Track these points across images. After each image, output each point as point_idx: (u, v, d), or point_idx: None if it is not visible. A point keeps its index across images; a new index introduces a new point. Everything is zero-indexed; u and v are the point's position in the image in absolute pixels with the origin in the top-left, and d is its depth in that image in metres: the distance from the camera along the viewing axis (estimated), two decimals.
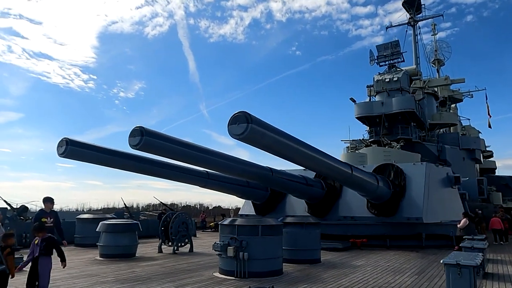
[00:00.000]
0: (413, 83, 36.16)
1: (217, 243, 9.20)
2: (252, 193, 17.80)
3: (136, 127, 8.93)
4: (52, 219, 7.16)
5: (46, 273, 6.24)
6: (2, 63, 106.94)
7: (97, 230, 12.65)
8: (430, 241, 15.77)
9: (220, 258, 9.40)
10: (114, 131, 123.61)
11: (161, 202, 22.03)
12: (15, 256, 6.33)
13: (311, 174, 16.81)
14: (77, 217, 17.13)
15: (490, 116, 47.45)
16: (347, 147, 30.59)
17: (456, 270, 6.31)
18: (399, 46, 33.23)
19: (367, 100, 33.28)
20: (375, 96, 32.92)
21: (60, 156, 10.14)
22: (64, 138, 10.09)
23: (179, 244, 14.41)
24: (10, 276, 5.62)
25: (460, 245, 9.75)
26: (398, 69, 33.03)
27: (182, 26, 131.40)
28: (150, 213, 30.54)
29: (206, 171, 14.46)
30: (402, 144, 27.76)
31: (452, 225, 15.54)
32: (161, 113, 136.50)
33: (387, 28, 48.15)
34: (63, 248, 6.76)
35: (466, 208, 19.61)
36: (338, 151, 37.46)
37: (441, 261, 6.60)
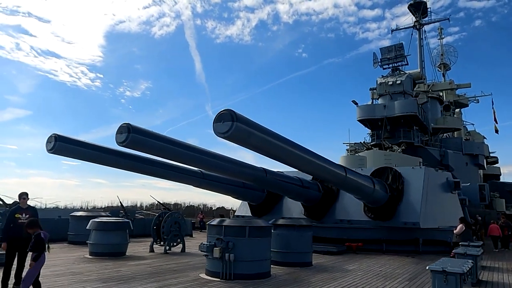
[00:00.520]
0: (416, 86, 35.83)
1: (203, 244, 9.03)
2: (248, 194, 17.60)
3: (123, 123, 8.80)
4: (27, 215, 7.01)
5: (32, 270, 6.12)
6: (10, 61, 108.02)
7: (87, 228, 12.54)
8: (427, 247, 15.47)
9: (207, 259, 9.22)
10: None
11: (158, 201, 21.93)
12: None
13: (308, 176, 16.58)
14: (71, 214, 17.05)
15: (497, 122, 47.05)
16: (346, 149, 30.32)
17: (442, 277, 6.10)
18: (403, 49, 33.00)
19: (370, 103, 32.96)
20: (378, 99, 32.65)
21: (49, 152, 10.05)
22: (53, 134, 10.00)
23: (172, 244, 14.26)
24: None
25: (453, 251, 9.50)
26: (402, 72, 32.76)
27: (189, 27, 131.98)
28: (148, 212, 30.43)
29: (201, 171, 14.34)
30: (403, 148, 27.46)
31: (450, 230, 15.20)
32: (167, 113, 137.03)
33: (392, 31, 47.93)
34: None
35: (466, 214, 19.27)
36: (341, 154, 37.27)
37: (427, 267, 6.38)
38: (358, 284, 8.86)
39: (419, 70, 39.08)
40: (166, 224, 13.83)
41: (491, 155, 47.98)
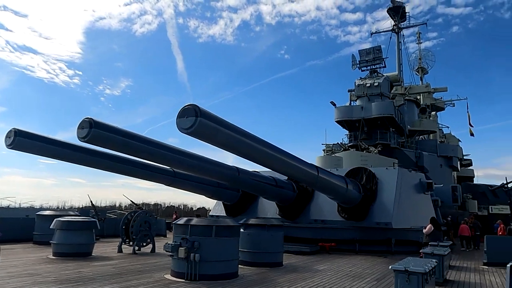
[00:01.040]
0: (394, 89, 36.31)
1: (168, 244, 8.75)
2: (223, 193, 17.37)
3: (85, 118, 8.45)
4: None
5: None
6: None
7: (50, 227, 12.04)
8: (399, 247, 15.56)
9: (172, 259, 8.94)
10: None
11: (131, 201, 21.44)
12: None
13: (283, 176, 16.45)
14: (37, 213, 16.42)
15: (471, 126, 48.25)
16: (323, 150, 30.41)
17: (405, 277, 6.02)
18: (381, 51, 33.29)
19: (348, 104, 33.17)
20: (355, 101, 32.89)
21: (8, 148, 9.59)
22: (13, 128, 9.54)
23: (141, 244, 13.88)
24: None
25: (421, 251, 9.51)
26: (380, 75, 33.08)
27: (171, 25, 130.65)
28: (123, 212, 29.76)
29: (173, 169, 14.04)
30: (380, 149, 27.71)
31: (422, 231, 15.36)
32: (148, 112, 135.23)
33: (372, 34, 48.55)
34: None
35: (438, 214, 19.57)
36: (319, 154, 37.36)
37: (390, 267, 6.30)
38: (325, 284, 8.75)
39: (397, 73, 39.63)
40: (135, 223, 13.44)
41: (466, 157, 49.15)
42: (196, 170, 12.54)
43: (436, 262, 7.04)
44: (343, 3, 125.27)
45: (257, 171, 16.66)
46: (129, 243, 13.80)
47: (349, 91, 34.66)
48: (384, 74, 33.47)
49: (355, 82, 32.96)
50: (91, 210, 20.67)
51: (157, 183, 15.48)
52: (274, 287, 8.19)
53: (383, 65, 33.58)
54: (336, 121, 31.09)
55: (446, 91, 51.37)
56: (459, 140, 48.19)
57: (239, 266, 10.72)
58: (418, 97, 44.13)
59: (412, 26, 47.75)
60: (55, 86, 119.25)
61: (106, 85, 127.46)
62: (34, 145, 9.86)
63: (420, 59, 54.90)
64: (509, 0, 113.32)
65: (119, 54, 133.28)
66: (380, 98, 30.41)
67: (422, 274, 5.94)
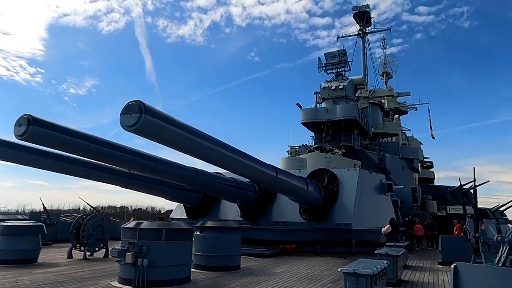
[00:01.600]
0: (358, 92, 36.94)
1: (115, 249, 8.26)
2: (183, 195, 16.88)
3: (23, 114, 7.83)
4: None
5: None
6: None
7: None
8: (360, 247, 15.65)
9: (120, 265, 8.46)
10: None
11: (88, 203, 20.53)
12: None
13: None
14: None
15: (432, 129, 50.10)
16: (287, 151, 30.48)
17: (353, 279, 5.89)
18: (346, 55, 33.80)
19: (313, 106, 33.40)
20: (321, 103, 33.17)
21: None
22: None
23: (94, 249, 13.20)
24: None
25: (375, 251, 9.51)
26: (345, 78, 33.56)
27: (139, 24, 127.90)
28: (76, 215, 28.44)
29: (129, 171, 13.45)
30: (343, 151, 28.04)
31: (381, 231, 15.52)
32: (114, 112, 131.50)
33: (338, 38, 49.37)
34: None
35: (398, 215, 19.91)
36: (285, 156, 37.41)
37: (339, 270, 6.16)
38: (281, 287, 8.54)
39: (362, 76, 40.44)
40: (87, 227, 12.76)
41: (427, 159, 50.88)
42: (151, 172, 12.02)
43: (387, 263, 6.98)
44: (312, 7, 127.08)
45: (219, 173, 16.31)
46: (80, 248, 13.08)
47: (315, 93, 34.90)
48: (349, 77, 34.00)
49: (320, 85, 33.24)
50: (42, 213, 19.61)
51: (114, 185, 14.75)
52: None
53: (348, 68, 34.10)
54: (301, 123, 31.21)
55: (409, 95, 53.10)
56: (421, 143, 49.81)
57: (194, 270, 10.41)
58: (383, 101, 45.27)
59: (376, 31, 49.01)
60: (15, 84, 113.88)
61: (70, 84, 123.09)
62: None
63: (385, 64, 56.45)
64: (468, 10, 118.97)
65: (84, 52, 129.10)
66: (345, 100, 30.80)
67: (370, 276, 5.84)
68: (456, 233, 18.45)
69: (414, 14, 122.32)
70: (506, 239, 5.63)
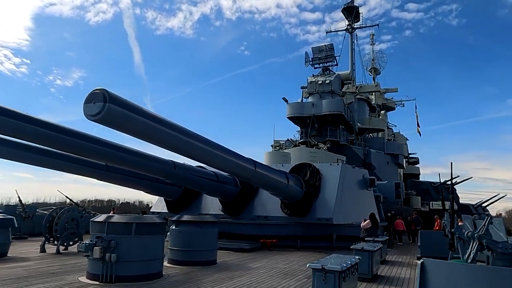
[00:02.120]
0: (345, 87, 36.93)
1: (82, 243, 7.98)
2: (163, 189, 16.58)
3: None
4: None
5: None
6: None
7: None
8: (341, 242, 15.59)
9: (88, 260, 8.19)
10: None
11: (66, 196, 20.06)
12: None
13: None
14: None
15: (419, 126, 50.52)
16: (271, 145, 30.34)
17: (321, 275, 5.73)
18: (334, 49, 33.72)
19: (300, 101, 33.29)
20: (307, 98, 33.07)
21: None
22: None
23: (68, 243, 12.87)
24: None
25: (351, 247, 9.41)
26: (332, 73, 33.48)
27: (127, 15, 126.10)
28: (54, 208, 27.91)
29: (106, 164, 13.11)
30: (329, 145, 27.99)
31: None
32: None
33: (327, 32, 49.37)
34: None
35: (381, 210, 19.95)
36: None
37: (307, 265, 6.00)
38: (253, 282, 8.39)
39: (349, 71, 40.41)
40: (60, 221, 12.43)
41: (413, 156, 51.34)
42: (127, 164, 11.72)
43: (358, 258, 6.84)
44: (302, 2, 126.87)
45: (202, 167, 16.05)
46: (53, 242, 12.74)
47: (301, 88, 34.81)
48: (336, 72, 33.93)
49: (307, 79, 33.15)
50: (18, 206, 19.13)
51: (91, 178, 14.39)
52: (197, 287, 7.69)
53: (335, 63, 34.05)
54: (288, 117, 31.07)
55: (397, 91, 53.46)
56: (407, 139, 50.19)
57: (169, 265, 10.22)
58: (370, 97, 45.41)
59: (364, 27, 49.01)
60: (0, 75, 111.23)
61: (56, 75, 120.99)
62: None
63: (373, 60, 56.62)
64: (456, 8, 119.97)
65: (71, 43, 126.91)
66: (331, 95, 30.75)
67: (339, 272, 5.68)
68: (437, 228, 18.55)
69: (404, 11, 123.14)
70: (475, 235, 5.53)
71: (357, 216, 16.51)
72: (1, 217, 11.58)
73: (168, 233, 10.75)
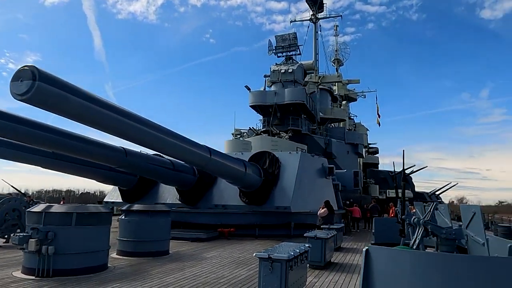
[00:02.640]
0: (308, 77, 37.09)
1: (16, 235, 7.37)
2: (117, 178, 15.88)
3: None
4: None
5: None
6: None
7: None
8: (299, 230, 15.62)
9: (24, 253, 7.58)
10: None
11: (12, 186, 18.85)
12: None
13: None
14: None
15: (379, 116, 51.95)
16: (232, 133, 30.05)
17: (268, 264, 5.54)
18: (297, 39, 33.59)
19: (262, 89, 33.05)
20: (270, 86, 32.90)
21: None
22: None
23: (9, 235, 11.98)
24: None
25: (304, 234, 9.34)
26: (295, 62, 33.44)
27: None
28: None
29: (53, 151, 12.29)
30: (290, 134, 28.04)
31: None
32: None
33: (291, 22, 49.27)
34: None
35: (339, 198, 20.22)
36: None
37: (254, 254, 5.80)
38: (203, 272, 8.12)
39: (312, 61, 40.61)
40: (0, 212, 11.54)
41: (373, 145, 52.84)
42: (75, 152, 11.01)
43: (309, 246, 6.73)
44: None
45: (158, 154, 15.48)
46: None
47: (264, 76, 34.52)
48: (299, 62, 33.93)
49: (270, 68, 32.93)
50: None
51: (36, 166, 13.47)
52: (143, 280, 7.31)
53: (299, 53, 34.03)
54: (250, 106, 30.80)
55: (359, 83, 54.67)
56: (367, 130, 51.53)
57: (118, 257, 9.78)
58: (333, 87, 46.00)
59: (328, 18, 49.41)
60: None
61: (9, 59, 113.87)
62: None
63: (336, 51, 57.49)
64: (417, 3, 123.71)
65: (25, 25, 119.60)
66: (294, 84, 30.72)
67: (286, 261, 5.51)
68: (392, 215, 19.09)
69: (367, 4, 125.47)
70: (421, 221, 5.52)
71: (315, 204, 16.58)
72: None
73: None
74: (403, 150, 8.73)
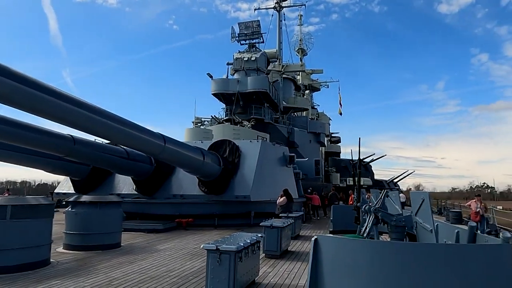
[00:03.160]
0: (272, 65, 36.92)
1: None
2: (68, 167, 14.98)
3: None
4: None
5: None
6: None
7: None
8: (259, 219, 15.45)
9: None
10: None
11: None
12: None
13: None
14: None
15: (341, 105, 53.00)
16: (192, 122, 29.48)
17: (216, 256, 5.29)
18: (260, 26, 33.20)
19: (225, 77, 32.54)
20: (233, 75, 32.44)
21: None
22: None
23: None
24: None
25: (260, 224, 9.18)
26: (258, 50, 33.11)
27: None
28: None
29: None
30: (253, 123, 27.83)
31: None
32: None
33: (255, 9, 48.88)
34: None
35: (300, 186, 20.32)
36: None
37: (202, 246, 5.53)
38: (153, 266, 7.76)
39: (276, 50, 40.44)
40: None
41: (335, 135, 53.88)
42: (16, 140, 10.18)
43: (261, 236, 6.54)
44: None
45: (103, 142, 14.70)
46: None
47: (227, 64, 33.97)
48: (262, 50, 33.62)
49: (233, 56, 32.42)
50: None
51: None
52: (87, 275, 6.86)
53: (262, 41, 33.65)
54: (212, 94, 30.25)
55: (322, 73, 55.18)
56: (330, 119, 52.43)
57: (64, 251, 9.23)
58: (297, 77, 46.18)
59: (292, 6, 49.21)
60: None
61: None
62: None
63: (300, 40, 57.67)
64: None
65: None
66: (256, 73, 30.44)
67: (235, 252, 5.28)
68: (350, 203, 19.46)
69: None
70: (372, 208, 5.45)
71: (275, 193, 16.49)
72: None
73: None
74: (359, 138, 8.69)
